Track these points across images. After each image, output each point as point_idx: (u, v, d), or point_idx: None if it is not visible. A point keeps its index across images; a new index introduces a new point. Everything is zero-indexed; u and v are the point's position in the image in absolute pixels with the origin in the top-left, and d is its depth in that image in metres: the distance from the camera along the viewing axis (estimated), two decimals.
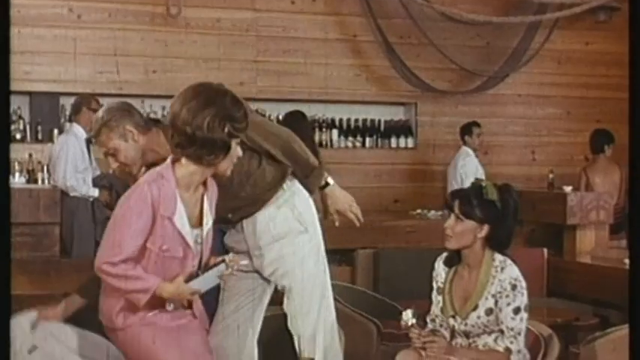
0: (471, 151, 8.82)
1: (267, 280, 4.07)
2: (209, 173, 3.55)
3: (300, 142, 4.04)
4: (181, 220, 3.47)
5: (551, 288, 6.92)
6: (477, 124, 8.91)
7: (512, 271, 3.92)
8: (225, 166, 3.54)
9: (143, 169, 3.92)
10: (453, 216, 3.97)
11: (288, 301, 4.06)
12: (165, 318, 3.51)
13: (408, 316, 3.87)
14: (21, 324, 3.75)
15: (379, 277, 6.64)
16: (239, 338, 4.09)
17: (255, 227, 4.01)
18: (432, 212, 8.15)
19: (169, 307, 3.48)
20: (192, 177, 3.52)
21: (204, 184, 3.59)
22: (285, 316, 4.15)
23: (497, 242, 3.95)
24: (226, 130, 3.44)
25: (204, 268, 3.55)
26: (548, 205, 7.50)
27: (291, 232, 4.01)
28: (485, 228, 3.92)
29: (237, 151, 3.54)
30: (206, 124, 3.40)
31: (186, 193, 3.52)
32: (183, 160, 3.49)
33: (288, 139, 4.00)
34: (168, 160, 3.52)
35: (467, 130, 8.88)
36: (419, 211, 8.36)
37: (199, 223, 3.57)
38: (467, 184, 8.20)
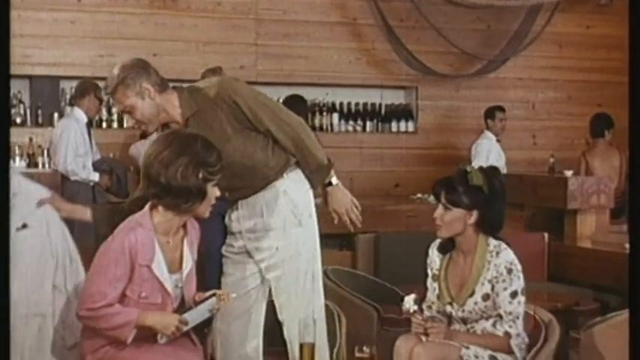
0: (491, 135, 8.81)
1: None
2: (187, 218, 3.61)
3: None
4: (160, 268, 3.52)
5: (552, 273, 6.91)
6: (502, 109, 8.88)
7: (508, 255, 3.92)
8: (203, 209, 3.58)
9: (159, 128, 3.98)
10: (440, 205, 3.97)
11: (278, 292, 4.07)
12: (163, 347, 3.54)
13: (410, 304, 3.87)
14: (29, 189, 3.84)
15: (380, 261, 6.64)
16: (244, 325, 4.11)
17: (250, 211, 4.02)
18: (433, 197, 8.07)
19: (161, 340, 3.50)
20: (170, 223, 3.58)
21: (184, 227, 3.65)
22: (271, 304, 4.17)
23: (488, 226, 3.95)
24: (200, 175, 3.50)
25: (194, 302, 3.59)
26: (548, 189, 7.48)
27: (285, 224, 4.01)
28: (475, 214, 3.92)
29: (214, 192, 3.58)
30: (179, 174, 3.47)
31: (166, 238, 3.58)
32: (161, 208, 3.55)
33: (300, 131, 3.98)
34: (146, 208, 3.58)
35: (490, 114, 8.87)
36: (419, 195, 8.34)
37: (179, 267, 3.61)
38: (475, 164, 8.25)
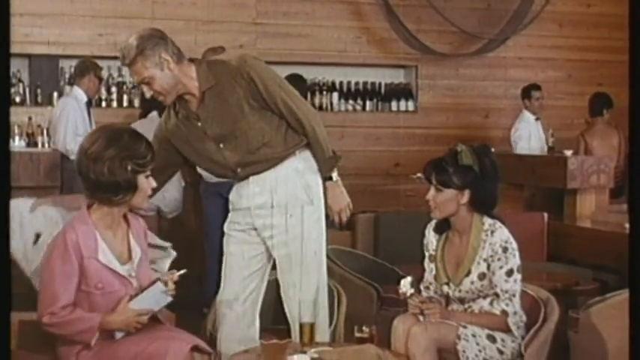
0: (529, 116, 8.76)
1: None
2: (124, 211, 3.67)
3: (323, 127, 4.04)
4: (106, 257, 3.58)
5: (551, 252, 6.93)
6: (537, 87, 8.80)
7: (503, 234, 3.93)
8: (138, 201, 3.64)
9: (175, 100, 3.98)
10: (432, 187, 3.97)
11: (284, 271, 4.09)
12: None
13: (406, 287, 3.89)
14: (19, 207, 3.96)
15: (379, 241, 6.65)
16: (249, 308, 4.14)
17: (262, 187, 4.03)
18: (424, 178, 8.04)
19: (118, 334, 3.54)
20: (110, 217, 3.64)
21: (126, 219, 3.70)
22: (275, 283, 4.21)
23: (481, 205, 3.96)
24: (129, 168, 3.54)
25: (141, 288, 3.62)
26: (548, 169, 7.49)
27: (296, 201, 4.02)
28: (467, 193, 3.92)
29: (148, 184, 3.63)
30: (107, 168, 3.52)
31: (109, 232, 3.65)
32: (96, 204, 3.62)
33: (311, 119, 3.99)
34: (84, 205, 3.64)
35: (526, 93, 8.81)
36: (419, 174, 8.19)
37: (129, 258, 3.67)
38: (517, 150, 8.24)
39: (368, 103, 9.29)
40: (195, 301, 5.88)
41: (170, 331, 3.65)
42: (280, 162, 4.00)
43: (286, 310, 4.10)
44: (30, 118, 7.96)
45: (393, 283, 5.56)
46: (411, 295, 3.90)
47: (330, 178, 4.09)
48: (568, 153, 7.54)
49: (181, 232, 7.43)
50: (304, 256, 4.05)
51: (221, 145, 3.98)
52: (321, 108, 8.89)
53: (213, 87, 3.92)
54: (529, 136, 8.62)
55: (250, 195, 4.05)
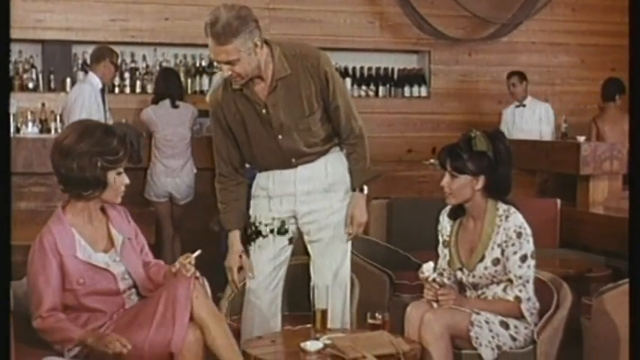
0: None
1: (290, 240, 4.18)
2: (99, 204, 3.68)
3: (367, 142, 4.15)
4: (85, 252, 3.61)
5: (564, 239, 6.91)
6: (513, 74, 8.78)
7: (517, 219, 3.93)
8: (110, 196, 3.66)
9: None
10: (447, 173, 3.97)
11: (317, 255, 4.16)
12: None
13: (429, 271, 3.89)
14: None
15: (392, 227, 6.64)
16: (275, 298, 4.19)
17: (310, 174, 4.07)
18: (439, 165, 8.01)
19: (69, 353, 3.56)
20: (83, 212, 3.67)
21: (104, 211, 3.73)
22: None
23: (496, 190, 3.96)
24: (99, 165, 3.56)
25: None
26: (561, 154, 7.45)
27: (343, 185, 4.11)
28: (481, 179, 3.92)
29: (120, 180, 3.66)
30: (76, 164, 3.53)
31: (87, 226, 3.67)
32: (70, 201, 3.65)
33: (363, 133, 4.12)
34: (59, 207, 3.67)
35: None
36: (432, 160, 8.26)
37: (111, 245, 3.70)
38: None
39: (381, 88, 9.27)
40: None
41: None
42: (331, 150, 4.09)
43: (314, 296, 4.05)
44: (43, 104, 7.97)
45: (406, 269, 5.63)
46: (433, 279, 3.90)
47: (362, 190, 4.14)
48: (581, 139, 7.51)
49: (193, 218, 7.45)
50: (337, 243, 4.14)
51: (280, 136, 3.97)
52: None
53: (287, 77, 3.89)
54: (505, 124, 8.68)
55: (298, 181, 4.08)
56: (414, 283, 5.29)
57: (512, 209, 3.96)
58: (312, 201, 4.08)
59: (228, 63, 3.76)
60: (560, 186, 7.78)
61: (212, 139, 4.18)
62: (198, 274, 3.66)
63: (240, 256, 4.13)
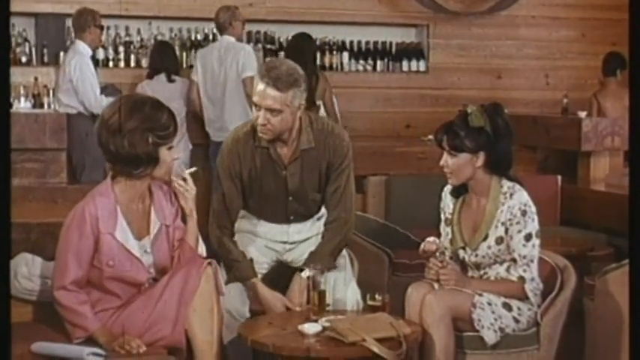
0: None
1: None
2: (147, 183, 3.57)
3: (344, 238, 4.12)
4: (124, 235, 3.50)
5: (564, 216, 6.82)
6: None
7: (522, 197, 3.82)
8: (162, 172, 3.54)
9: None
10: (445, 153, 3.86)
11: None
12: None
13: (436, 243, 3.80)
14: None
15: (390, 204, 6.54)
16: None
17: (302, 227, 4.17)
18: (436, 144, 7.91)
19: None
20: (133, 189, 3.55)
21: (151, 193, 3.61)
22: None
23: (497, 166, 3.84)
24: (150, 141, 3.44)
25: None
26: (562, 130, 7.35)
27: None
28: (481, 156, 3.80)
29: (171, 155, 3.53)
30: (127, 141, 3.41)
31: (132, 205, 3.56)
32: (120, 177, 3.52)
33: (349, 228, 4.12)
34: (108, 177, 3.56)
35: None
36: (430, 136, 8.11)
37: (147, 233, 3.58)
38: None
39: (379, 63, 9.11)
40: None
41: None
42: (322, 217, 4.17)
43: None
44: (36, 79, 7.84)
45: (405, 248, 5.54)
46: (441, 253, 3.80)
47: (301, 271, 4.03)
48: (582, 114, 7.40)
49: None
50: None
51: (290, 198, 4.03)
52: (331, 68, 8.74)
53: (310, 150, 3.96)
54: None
55: (291, 232, 4.14)
56: (414, 262, 5.23)
57: (517, 186, 3.85)
58: (301, 243, 4.15)
59: (270, 110, 3.76)
60: (560, 163, 7.68)
61: (213, 189, 4.11)
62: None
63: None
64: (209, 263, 3.52)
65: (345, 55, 8.95)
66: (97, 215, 3.45)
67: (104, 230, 3.45)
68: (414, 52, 9.26)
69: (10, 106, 7.08)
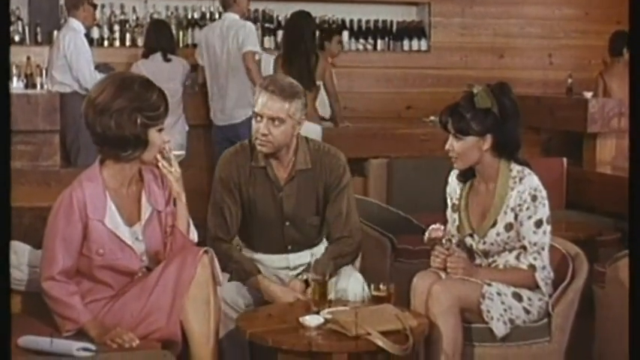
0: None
1: None
2: (137, 167, 3.38)
3: (347, 258, 3.98)
4: (114, 221, 3.33)
5: (569, 200, 6.67)
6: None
7: (532, 181, 3.66)
8: (152, 155, 3.36)
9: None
10: (450, 136, 3.69)
11: None
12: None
13: (441, 230, 3.64)
14: None
15: (392, 188, 6.39)
16: None
17: (301, 254, 4.02)
18: (441, 127, 7.77)
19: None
20: (122, 173, 3.37)
21: (141, 177, 3.44)
22: None
23: (505, 149, 3.67)
24: (139, 122, 3.25)
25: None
26: (567, 111, 7.20)
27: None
28: (488, 138, 3.63)
29: (161, 137, 3.36)
30: (114, 122, 3.23)
31: (122, 190, 3.39)
32: (109, 160, 3.35)
33: (350, 255, 3.99)
34: (96, 161, 3.38)
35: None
36: (432, 118, 8.02)
37: (138, 218, 3.41)
38: None
39: (379, 42, 9.01)
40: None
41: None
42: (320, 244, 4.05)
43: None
44: (29, 58, 7.70)
45: (408, 233, 5.39)
46: (448, 240, 3.65)
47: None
48: (588, 95, 7.25)
49: (185, 178, 7.09)
50: None
51: (287, 223, 3.92)
52: None
53: (306, 171, 3.89)
54: None
55: (290, 259, 4.00)
56: (417, 247, 5.08)
57: (527, 170, 3.69)
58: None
59: (272, 120, 3.73)
60: (564, 144, 7.55)
61: (212, 201, 3.97)
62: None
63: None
64: (205, 251, 3.35)
65: (345, 33, 8.81)
66: (84, 201, 3.28)
67: (93, 217, 3.29)
68: (415, 30, 9.14)
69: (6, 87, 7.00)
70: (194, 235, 3.56)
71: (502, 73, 8.61)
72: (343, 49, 8.61)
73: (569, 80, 8.49)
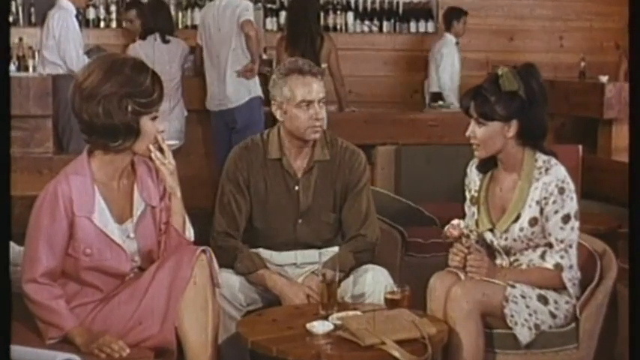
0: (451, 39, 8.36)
1: None
2: (128, 159, 3.09)
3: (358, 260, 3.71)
4: (102, 218, 3.05)
5: (583, 189, 6.41)
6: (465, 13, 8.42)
7: (559, 172, 3.39)
8: (142, 147, 3.06)
9: None
10: (472, 121, 3.41)
11: None
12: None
13: (461, 225, 3.36)
14: None
15: (401, 177, 6.14)
16: None
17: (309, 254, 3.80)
18: (454, 104, 7.61)
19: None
20: (112, 165, 3.08)
21: (133, 168, 3.15)
22: None
23: (531, 136, 3.41)
24: (130, 109, 2.95)
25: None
26: (582, 96, 6.96)
27: None
28: (514, 124, 3.37)
29: (155, 126, 3.06)
30: (102, 109, 2.93)
31: (112, 184, 3.10)
32: (98, 151, 3.06)
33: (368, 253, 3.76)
34: (84, 152, 3.09)
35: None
36: (440, 102, 7.87)
37: (130, 215, 3.13)
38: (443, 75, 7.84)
39: (385, 23, 8.89)
40: (202, 239, 5.48)
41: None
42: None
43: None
44: (21, 39, 7.49)
45: (418, 225, 5.13)
46: (467, 236, 3.37)
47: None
48: (604, 79, 6.99)
49: (184, 165, 6.88)
50: None
51: (300, 220, 3.71)
52: (335, 29, 8.53)
53: (325, 163, 3.72)
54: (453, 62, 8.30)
55: (299, 256, 3.76)
56: (429, 241, 4.90)
57: (554, 160, 3.43)
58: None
59: (321, 102, 3.64)
60: (577, 130, 7.29)
61: (219, 199, 3.74)
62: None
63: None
64: (202, 251, 3.07)
65: (350, 15, 8.70)
66: (70, 196, 3.00)
67: (79, 213, 3.01)
68: (423, 12, 9.03)
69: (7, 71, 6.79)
70: (190, 234, 3.27)
71: (512, 56, 8.52)
72: (348, 31, 8.53)
73: (582, 64, 8.32)
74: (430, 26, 8.96)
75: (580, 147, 6.48)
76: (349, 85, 7.63)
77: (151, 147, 3.10)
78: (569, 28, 9.36)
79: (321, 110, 3.63)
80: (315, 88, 3.60)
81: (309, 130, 3.61)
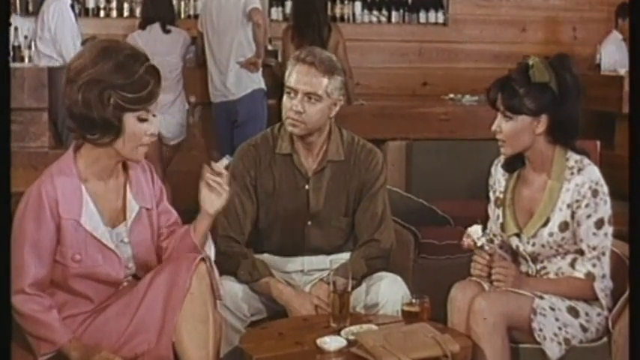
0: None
1: None
2: (117, 157, 2.84)
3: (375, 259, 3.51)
4: (91, 221, 2.82)
5: None
6: None
7: (593, 173, 3.18)
8: (127, 148, 2.79)
9: None
10: (499, 114, 3.18)
11: None
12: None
13: (477, 234, 3.13)
14: None
15: (412, 173, 5.96)
16: None
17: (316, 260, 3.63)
18: (467, 97, 7.41)
19: None
20: (98, 164, 2.83)
21: (125, 169, 2.91)
22: None
23: (562, 133, 3.18)
24: (112, 102, 2.68)
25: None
26: (599, 89, 6.72)
27: None
28: (543, 120, 3.14)
29: (142, 128, 2.79)
30: (80, 96, 2.67)
31: (101, 184, 2.86)
32: (84, 147, 2.81)
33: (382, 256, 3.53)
34: (70, 149, 2.86)
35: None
36: (451, 95, 7.70)
37: (123, 218, 2.89)
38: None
39: (394, 14, 8.74)
40: None
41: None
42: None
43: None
44: (16, 29, 7.35)
45: (432, 225, 4.92)
46: (482, 246, 3.12)
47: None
48: (622, 71, 6.75)
49: (185, 160, 6.90)
50: None
51: (309, 223, 3.52)
52: (342, 19, 8.41)
53: (339, 163, 3.53)
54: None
55: (306, 263, 3.58)
56: (443, 242, 4.71)
57: (587, 160, 3.20)
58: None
59: (308, 96, 3.38)
60: (592, 125, 7.06)
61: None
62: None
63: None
64: (202, 259, 2.82)
65: (358, 4, 8.59)
66: (56, 197, 2.75)
67: (66, 216, 2.76)
68: (432, 2, 8.88)
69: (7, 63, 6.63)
70: (211, 252, 3.03)
71: (524, 48, 8.41)
72: (356, 21, 8.49)
73: (598, 55, 8.14)
74: (440, 16, 8.82)
75: (598, 143, 6.27)
76: (357, 76, 7.51)
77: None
78: (582, 19, 9.19)
79: (305, 105, 3.37)
80: (303, 79, 3.37)
81: (287, 121, 3.42)
